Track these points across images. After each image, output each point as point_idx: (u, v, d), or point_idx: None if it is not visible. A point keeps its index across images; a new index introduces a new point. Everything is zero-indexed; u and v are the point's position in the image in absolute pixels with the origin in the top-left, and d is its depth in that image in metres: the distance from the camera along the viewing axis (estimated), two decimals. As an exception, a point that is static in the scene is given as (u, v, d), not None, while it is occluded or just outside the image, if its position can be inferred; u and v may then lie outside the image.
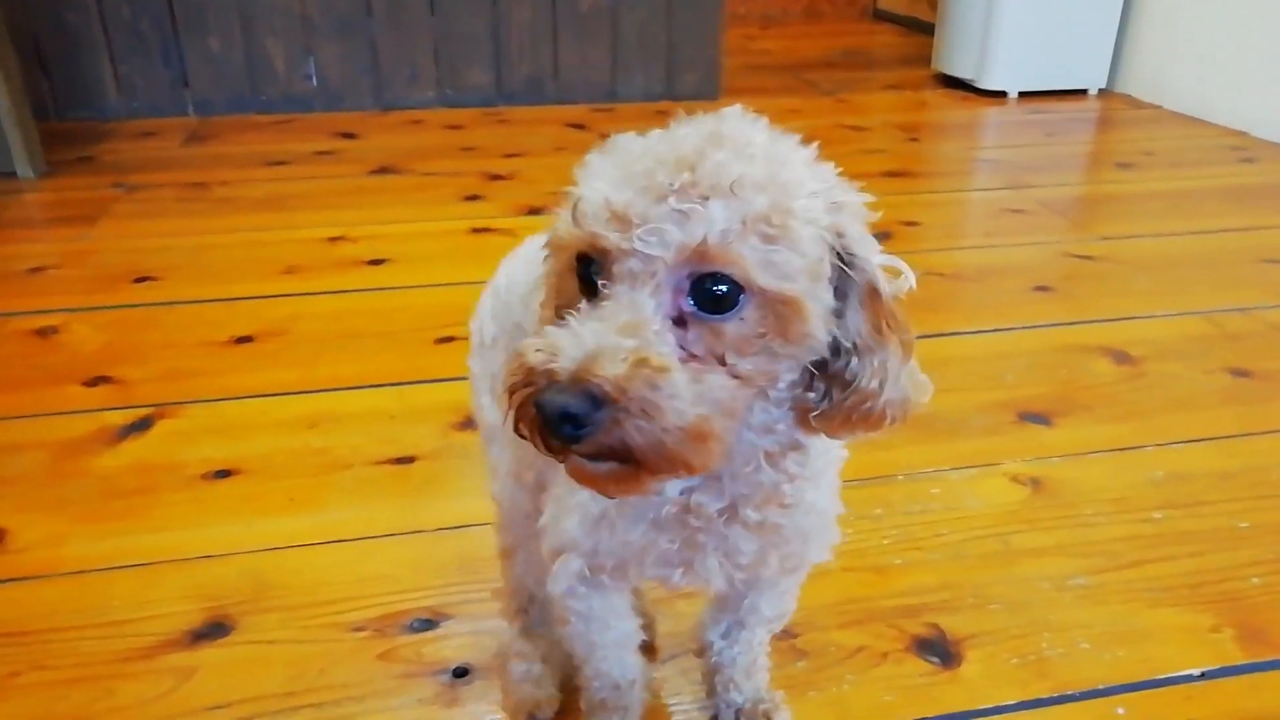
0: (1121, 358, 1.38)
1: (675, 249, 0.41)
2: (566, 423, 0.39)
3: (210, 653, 0.84)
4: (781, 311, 0.42)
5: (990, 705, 0.80)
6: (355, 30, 2.61)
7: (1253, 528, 1.02)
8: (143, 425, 1.18)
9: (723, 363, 0.42)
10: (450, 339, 1.41)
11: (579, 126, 2.58)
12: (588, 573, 0.61)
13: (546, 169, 2.20)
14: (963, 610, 0.90)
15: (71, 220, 1.85)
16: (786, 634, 0.87)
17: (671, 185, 0.41)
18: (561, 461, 0.43)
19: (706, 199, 0.40)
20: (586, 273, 0.44)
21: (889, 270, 0.48)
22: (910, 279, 0.48)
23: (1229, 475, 1.11)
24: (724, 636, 0.75)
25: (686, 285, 0.42)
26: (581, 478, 0.43)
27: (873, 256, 0.46)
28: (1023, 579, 0.95)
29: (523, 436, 0.42)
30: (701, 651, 0.78)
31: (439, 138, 2.46)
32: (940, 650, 0.85)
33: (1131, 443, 1.18)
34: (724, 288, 0.41)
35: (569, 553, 0.60)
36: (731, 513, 0.53)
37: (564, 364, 0.40)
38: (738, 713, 0.78)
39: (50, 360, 1.33)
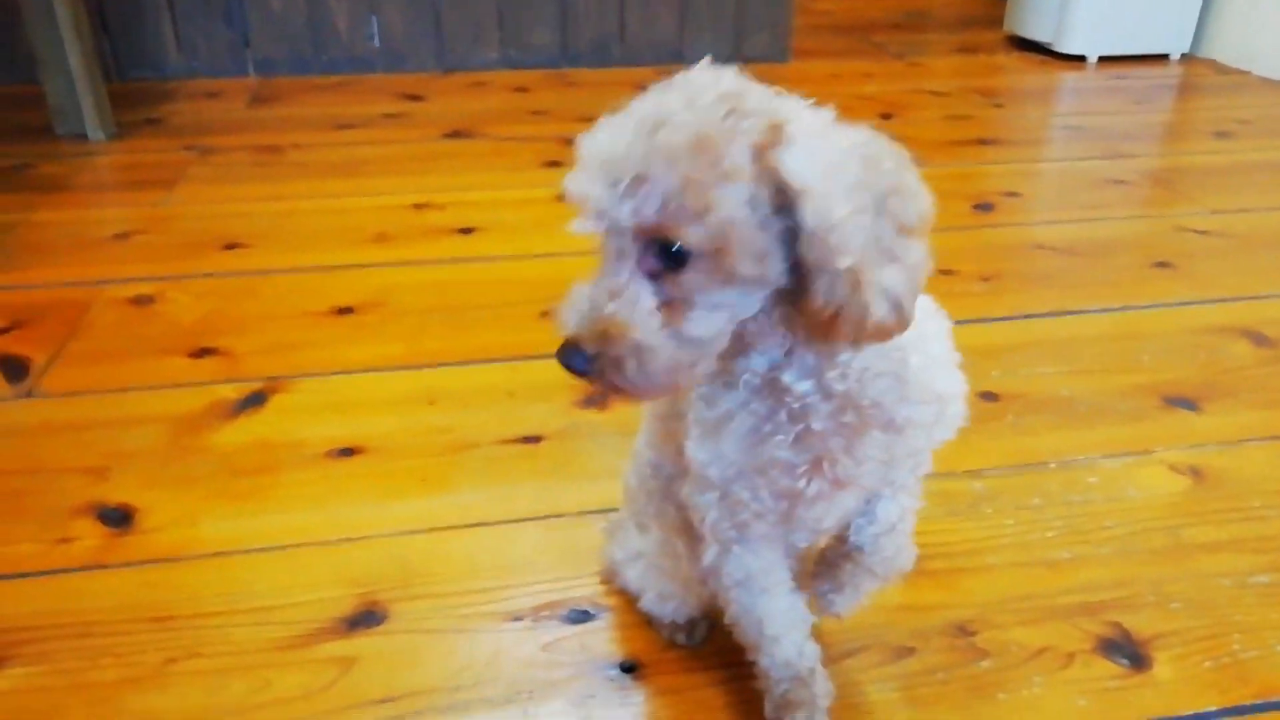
0: (1260, 339, 1.32)
1: (631, 226, 0.49)
2: (574, 373, 0.51)
3: (368, 642, 0.81)
4: (723, 257, 0.49)
5: (1191, 712, 0.76)
6: (419, -11, 2.54)
7: None
8: (257, 400, 1.15)
9: (692, 304, 0.51)
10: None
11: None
12: (726, 519, 0.63)
13: (624, 134, 2.14)
14: (1143, 609, 0.86)
15: (148, 184, 1.82)
16: (963, 631, 0.83)
17: (618, 176, 0.49)
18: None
19: (641, 184, 0.48)
20: None
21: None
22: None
23: (1399, 466, 1.06)
24: (863, 513, 0.68)
25: (651, 249, 0.50)
26: (594, 394, 0.57)
27: (829, 181, 0.48)
28: (1200, 575, 0.90)
29: None
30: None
31: (506, 100, 2.40)
32: (1128, 651, 0.81)
33: (1287, 430, 1.12)
34: (675, 247, 0.49)
35: (703, 492, 0.63)
36: (824, 389, 0.57)
37: (564, 329, 0.52)
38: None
39: (151, 330, 1.30)
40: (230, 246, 1.56)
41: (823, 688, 0.71)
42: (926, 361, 0.60)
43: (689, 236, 0.49)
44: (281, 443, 1.07)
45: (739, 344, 0.55)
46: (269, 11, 2.51)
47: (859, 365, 0.57)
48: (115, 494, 0.98)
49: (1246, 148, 2.14)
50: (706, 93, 0.50)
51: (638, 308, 0.51)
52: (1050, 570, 0.90)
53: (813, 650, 0.71)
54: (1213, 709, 0.76)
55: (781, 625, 0.68)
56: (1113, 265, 1.55)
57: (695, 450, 0.62)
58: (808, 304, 0.50)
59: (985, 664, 0.80)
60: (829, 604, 0.71)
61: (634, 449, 0.81)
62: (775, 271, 0.51)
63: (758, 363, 0.57)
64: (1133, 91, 2.60)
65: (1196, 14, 2.89)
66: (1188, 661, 0.80)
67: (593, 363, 0.51)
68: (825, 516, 0.65)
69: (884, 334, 0.51)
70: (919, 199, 0.50)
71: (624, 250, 0.51)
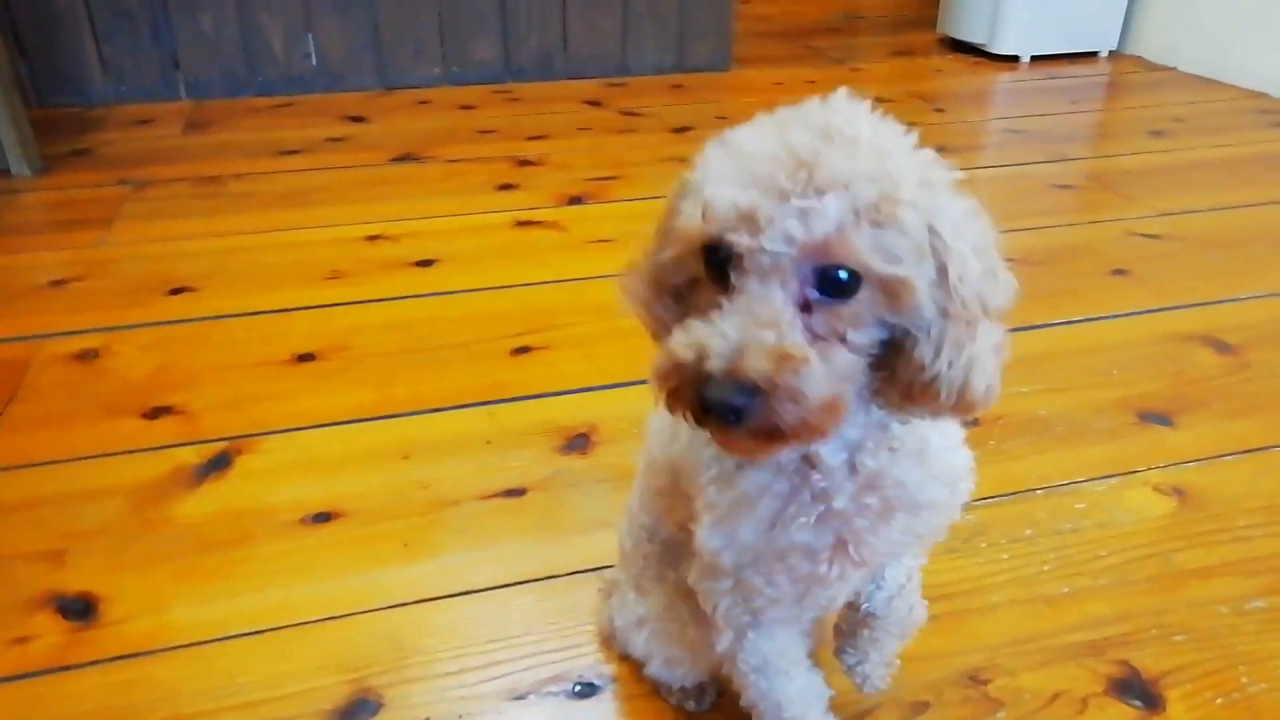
0: (1221, 347, 1.34)
1: (799, 246, 0.44)
2: (729, 413, 0.44)
3: (366, 734, 0.77)
4: (894, 290, 0.46)
5: (1209, 753, 0.76)
6: (355, 5, 2.47)
7: None
8: (220, 463, 1.09)
9: (843, 340, 0.47)
10: (527, 349, 1.33)
11: (595, 104, 2.48)
12: (740, 605, 0.60)
13: (575, 152, 2.11)
14: (1148, 643, 0.86)
15: (82, 224, 1.73)
16: (975, 680, 0.82)
17: (792, 186, 0.43)
18: (710, 434, 0.48)
19: (823, 196, 0.43)
20: (715, 260, 0.47)
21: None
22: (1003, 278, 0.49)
23: (1370, 476, 1.08)
24: (871, 591, 0.69)
25: (810, 276, 0.45)
26: (730, 446, 0.49)
27: (959, 238, 0.47)
28: (1198, 603, 0.90)
29: (674, 410, 0.47)
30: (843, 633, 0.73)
31: (452, 119, 2.34)
32: (1140, 692, 0.81)
33: (1261, 443, 1.14)
34: (844, 275, 0.45)
35: (716, 579, 0.60)
36: (851, 467, 0.55)
37: (717, 362, 0.44)
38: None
39: (99, 389, 1.23)
40: (176, 291, 1.49)
41: None
42: (945, 442, 0.59)
43: (871, 262, 0.44)
44: (251, 510, 1.02)
45: None
46: (199, 31, 2.41)
47: (886, 443, 0.55)
48: (75, 581, 0.92)
49: (1182, 146, 2.19)
50: (861, 112, 0.48)
51: (799, 339, 0.45)
52: (1051, 607, 0.90)
53: None
54: (1227, 747, 0.76)
55: (800, 707, 0.66)
56: (1071, 274, 1.57)
57: (708, 538, 0.59)
58: (907, 365, 0.48)
59: (1001, 715, 0.79)
60: (863, 678, 0.71)
61: (627, 507, 0.78)
62: (930, 312, 0.47)
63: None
64: (1066, 91, 2.65)
65: (1123, 12, 2.96)
66: (1199, 699, 0.80)
67: (755, 399, 0.44)
68: (839, 595, 0.64)
69: (974, 407, 0.50)
70: (1008, 282, 0.50)
71: (777, 274, 0.44)
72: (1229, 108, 2.50)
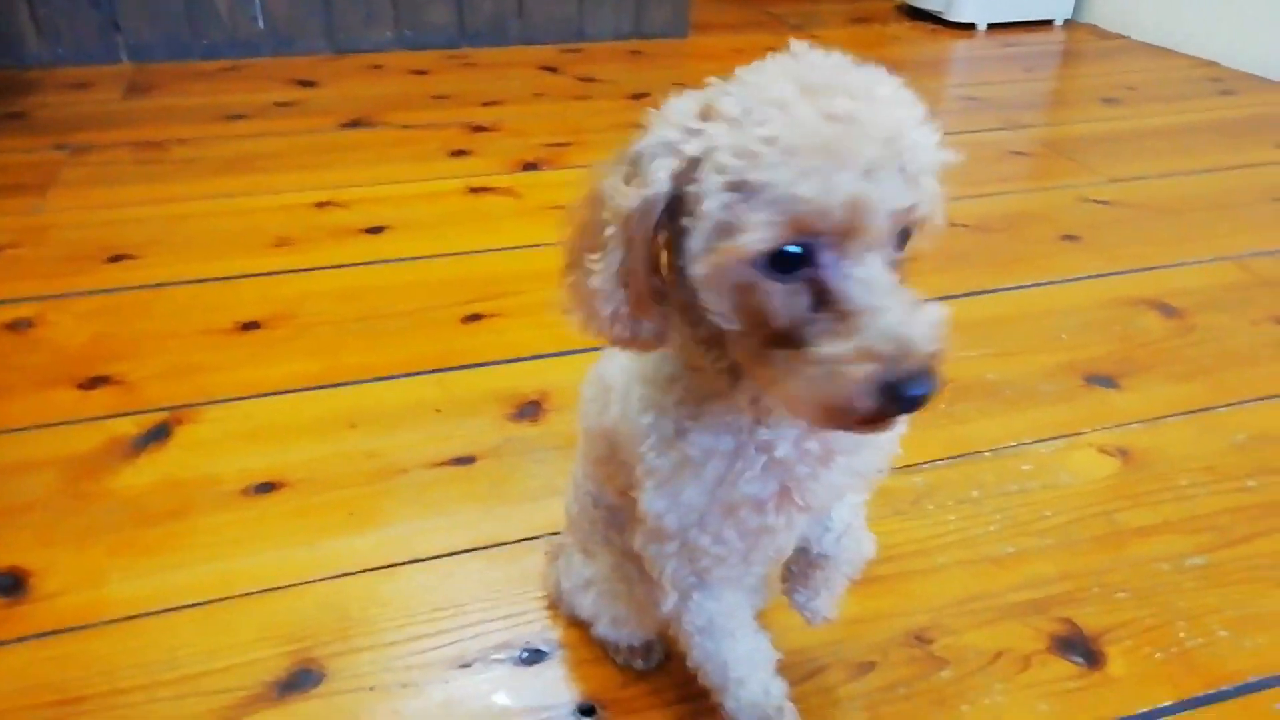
0: (1168, 310, 1.36)
1: (894, 218, 0.43)
2: (924, 400, 0.43)
3: (305, 708, 0.75)
4: (924, 230, 0.47)
5: (1148, 708, 0.77)
6: (303, -34, 2.40)
7: (1346, 492, 1.01)
8: (160, 433, 1.06)
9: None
10: (478, 316, 1.31)
11: (551, 69, 2.44)
12: (685, 567, 0.60)
13: (530, 118, 2.07)
14: (1090, 601, 0.87)
15: (17, 190, 1.67)
16: (920, 640, 0.83)
17: (879, 160, 0.42)
18: (868, 429, 0.45)
19: (891, 165, 0.43)
20: (780, 253, 0.43)
21: None
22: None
23: (1308, 436, 1.10)
24: (820, 534, 0.68)
25: (893, 245, 0.45)
26: (879, 428, 0.46)
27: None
28: (1140, 561, 0.92)
29: (854, 425, 0.45)
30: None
31: (405, 84, 2.29)
32: (1082, 649, 0.82)
33: (1204, 404, 1.15)
34: (905, 235, 0.46)
35: (661, 543, 0.60)
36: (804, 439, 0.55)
37: (925, 354, 0.43)
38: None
39: (34, 360, 1.19)
40: (116, 258, 1.44)
41: None
42: None
43: (931, 214, 0.46)
44: (192, 480, 1.00)
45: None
46: (138, -8, 2.33)
47: None
48: (4, 556, 0.89)
49: (1135, 114, 2.21)
50: (864, 69, 0.46)
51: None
52: (997, 567, 0.91)
53: (779, 688, 0.69)
54: (1167, 703, 0.78)
55: (747, 667, 0.66)
56: (1024, 239, 1.58)
57: (651, 502, 0.58)
58: None
59: (945, 674, 0.79)
60: (813, 612, 0.71)
61: (573, 474, 0.77)
62: None
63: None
64: (1022, 59, 2.65)
65: (1078, -20, 2.97)
66: (1138, 655, 0.82)
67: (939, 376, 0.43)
68: (787, 545, 0.64)
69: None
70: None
71: (879, 248, 0.44)
72: (1181, 76, 2.52)
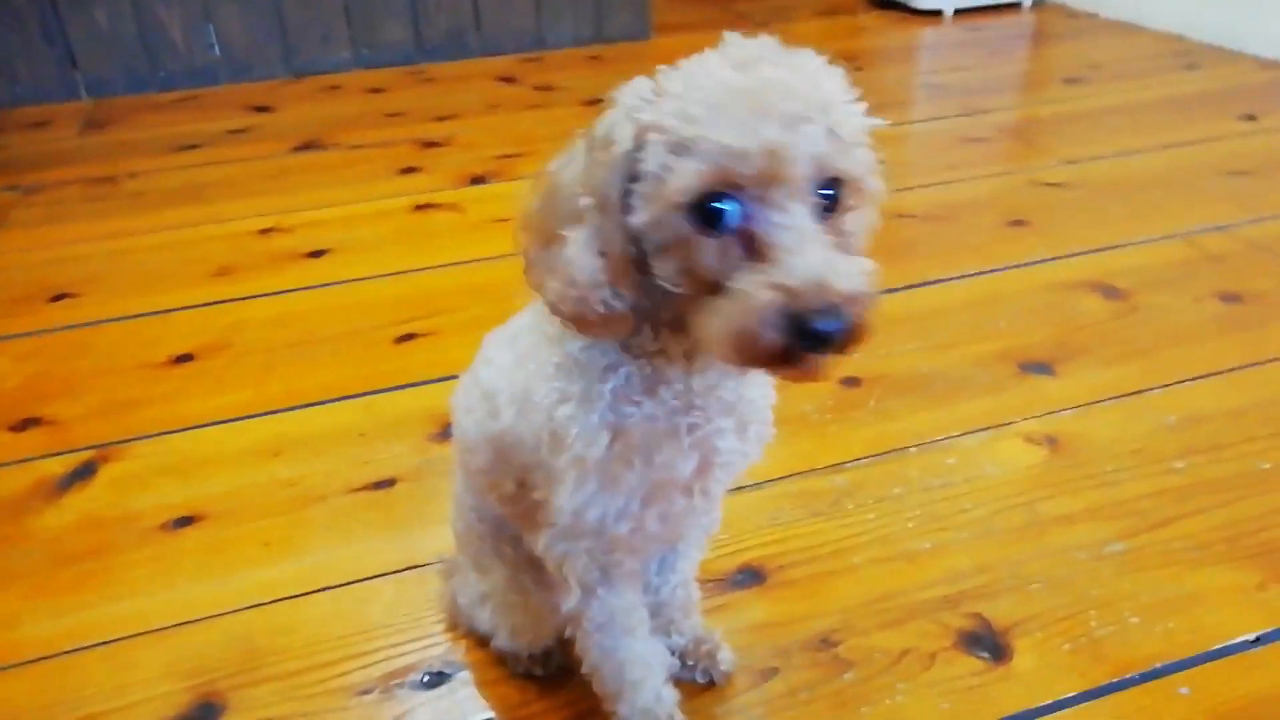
0: (1110, 292, 1.35)
1: (816, 166, 0.46)
2: (839, 336, 0.45)
3: (204, 741, 0.75)
4: (859, 195, 0.49)
5: (1051, 700, 0.76)
6: (256, -8, 2.41)
7: (1276, 468, 1.00)
8: (85, 472, 1.07)
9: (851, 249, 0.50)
10: (411, 336, 1.31)
11: (509, 80, 2.44)
12: (595, 562, 0.62)
13: (483, 131, 2.07)
14: (1003, 594, 0.86)
15: (-32, 233, 1.68)
16: (827, 643, 0.82)
17: (798, 113, 0.45)
18: (783, 369, 0.47)
19: (817, 119, 0.46)
20: (710, 207, 0.46)
21: None
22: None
23: (1241, 412, 1.09)
24: (659, 573, 0.76)
25: (815, 195, 0.47)
26: (804, 375, 0.48)
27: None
28: (1058, 550, 0.91)
29: (764, 359, 0.46)
30: None
31: (361, 104, 2.30)
32: (989, 644, 0.81)
33: (1138, 386, 1.14)
34: (833, 190, 0.47)
35: (574, 540, 0.61)
36: (720, 388, 0.58)
37: (836, 292, 0.44)
38: (681, 655, 0.78)
39: (-33, 403, 1.20)
40: (58, 297, 1.45)
41: None
42: None
43: (856, 171, 0.48)
44: (112, 519, 1.00)
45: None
46: (95, 27, 2.34)
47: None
48: (-78, 602, 0.90)
49: (1096, 93, 2.19)
50: (786, 48, 0.49)
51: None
52: (911, 564, 0.90)
53: (671, 695, 0.71)
54: (1071, 694, 0.77)
55: (642, 670, 0.67)
56: (971, 228, 1.56)
57: (570, 497, 0.58)
58: None
59: (848, 677, 0.79)
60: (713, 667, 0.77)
61: (454, 493, 0.77)
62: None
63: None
64: (988, 44, 2.63)
65: (1045, -40, 2.95)
66: (1047, 646, 0.81)
67: (853, 315, 0.45)
68: (688, 528, 0.68)
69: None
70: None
71: (800, 197, 0.46)
72: (1146, 51, 2.50)
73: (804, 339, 0.44)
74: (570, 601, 0.64)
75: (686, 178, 0.46)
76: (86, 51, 2.36)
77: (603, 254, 0.50)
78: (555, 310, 0.53)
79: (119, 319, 1.39)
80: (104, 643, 0.85)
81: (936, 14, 2.90)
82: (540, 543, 0.63)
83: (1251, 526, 0.92)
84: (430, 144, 2.01)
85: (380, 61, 2.57)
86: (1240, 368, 1.16)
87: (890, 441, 1.06)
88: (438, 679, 0.80)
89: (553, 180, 0.52)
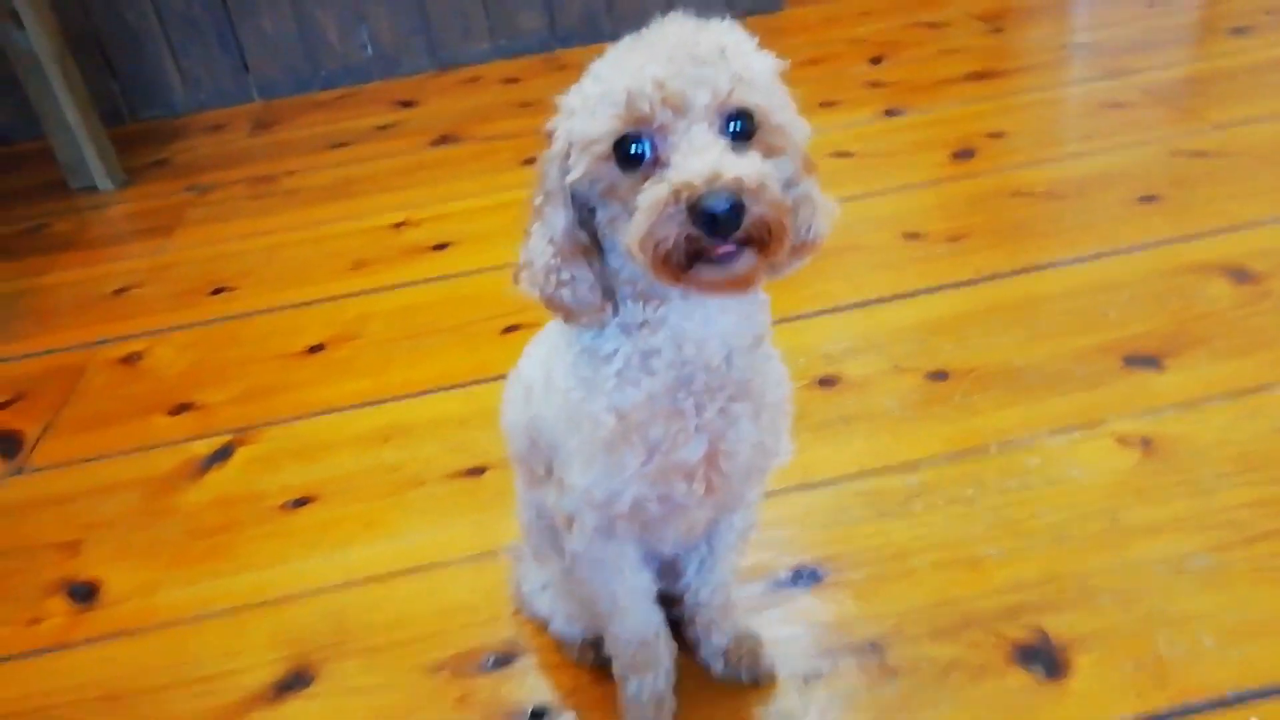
0: (1241, 276, 1.24)
1: (713, 95, 0.51)
2: (731, 214, 0.49)
3: (295, 707, 0.85)
4: (777, 135, 0.54)
5: (1099, 722, 0.74)
6: (401, -10, 2.55)
7: (1404, 480, 0.91)
8: (224, 454, 1.20)
9: None
10: (516, 327, 1.38)
11: (638, 62, 2.47)
12: (603, 523, 0.65)
13: (606, 117, 2.12)
14: (1068, 607, 0.84)
15: (150, 232, 1.89)
16: (875, 648, 0.82)
17: (696, 54, 0.51)
18: (690, 275, 0.51)
19: (705, 61, 0.51)
20: (630, 152, 0.52)
21: None
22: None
23: (1374, 415, 0.99)
24: (698, 573, 0.78)
25: (724, 124, 0.52)
26: (714, 283, 0.52)
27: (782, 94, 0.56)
28: (1135, 563, 0.87)
29: (667, 259, 0.51)
30: (675, 603, 0.80)
31: (496, 94, 2.40)
32: (1045, 658, 0.79)
33: (1254, 382, 1.06)
34: (741, 123, 0.52)
35: (582, 507, 0.65)
36: (729, 362, 0.60)
37: (713, 178, 0.49)
38: (725, 655, 0.80)
39: (137, 389, 1.37)
40: (217, 291, 1.62)
41: (667, 648, 0.76)
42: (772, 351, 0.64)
43: (766, 105, 0.52)
44: (242, 498, 1.13)
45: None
46: (262, 33, 2.55)
47: (723, 335, 0.60)
48: (86, 568, 1.05)
49: (1266, 44, 1.99)
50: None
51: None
52: (974, 571, 0.89)
53: (658, 618, 0.75)
54: (1126, 716, 0.74)
55: (631, 599, 0.72)
56: (1094, 206, 1.47)
57: (579, 477, 0.64)
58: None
59: (892, 688, 0.79)
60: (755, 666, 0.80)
61: (516, 488, 0.83)
62: (796, 166, 0.57)
63: (678, 316, 0.58)
64: (1153, -10, 2.43)
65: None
66: (1107, 665, 0.78)
67: (745, 201, 0.49)
68: (697, 524, 0.70)
69: (812, 247, 0.58)
70: (804, 125, 0.57)
71: (705, 120, 0.51)
72: (1340, -9, 2.23)
73: (699, 223, 0.49)
74: (574, 545, 0.68)
75: (598, 125, 0.52)
76: (255, 55, 2.57)
77: (551, 240, 0.57)
78: (531, 297, 0.59)
79: (266, 311, 1.53)
80: (223, 612, 0.97)
81: (1098, -38, 2.69)
82: (551, 499, 0.68)
83: (1362, 544, 0.85)
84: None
85: (517, 50, 2.66)
86: (1384, 363, 1.06)
87: (971, 439, 1.04)
88: (502, 661, 0.87)
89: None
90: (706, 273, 0.51)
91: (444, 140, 2.14)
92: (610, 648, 0.76)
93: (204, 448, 1.22)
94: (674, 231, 0.49)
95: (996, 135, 1.73)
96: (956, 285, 1.30)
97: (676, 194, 0.49)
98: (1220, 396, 1.05)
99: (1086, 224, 1.42)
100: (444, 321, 1.43)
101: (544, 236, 0.58)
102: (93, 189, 2.13)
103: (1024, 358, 1.15)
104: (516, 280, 0.61)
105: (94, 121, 2.11)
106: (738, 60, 0.52)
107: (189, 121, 2.53)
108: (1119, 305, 1.22)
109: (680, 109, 0.51)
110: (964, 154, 1.68)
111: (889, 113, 1.90)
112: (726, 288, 0.53)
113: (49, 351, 1.50)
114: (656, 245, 0.50)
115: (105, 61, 2.49)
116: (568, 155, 0.55)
